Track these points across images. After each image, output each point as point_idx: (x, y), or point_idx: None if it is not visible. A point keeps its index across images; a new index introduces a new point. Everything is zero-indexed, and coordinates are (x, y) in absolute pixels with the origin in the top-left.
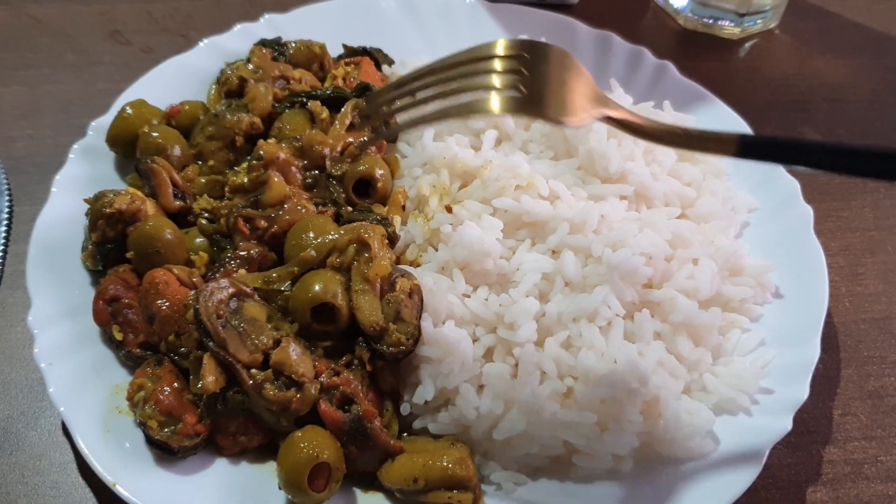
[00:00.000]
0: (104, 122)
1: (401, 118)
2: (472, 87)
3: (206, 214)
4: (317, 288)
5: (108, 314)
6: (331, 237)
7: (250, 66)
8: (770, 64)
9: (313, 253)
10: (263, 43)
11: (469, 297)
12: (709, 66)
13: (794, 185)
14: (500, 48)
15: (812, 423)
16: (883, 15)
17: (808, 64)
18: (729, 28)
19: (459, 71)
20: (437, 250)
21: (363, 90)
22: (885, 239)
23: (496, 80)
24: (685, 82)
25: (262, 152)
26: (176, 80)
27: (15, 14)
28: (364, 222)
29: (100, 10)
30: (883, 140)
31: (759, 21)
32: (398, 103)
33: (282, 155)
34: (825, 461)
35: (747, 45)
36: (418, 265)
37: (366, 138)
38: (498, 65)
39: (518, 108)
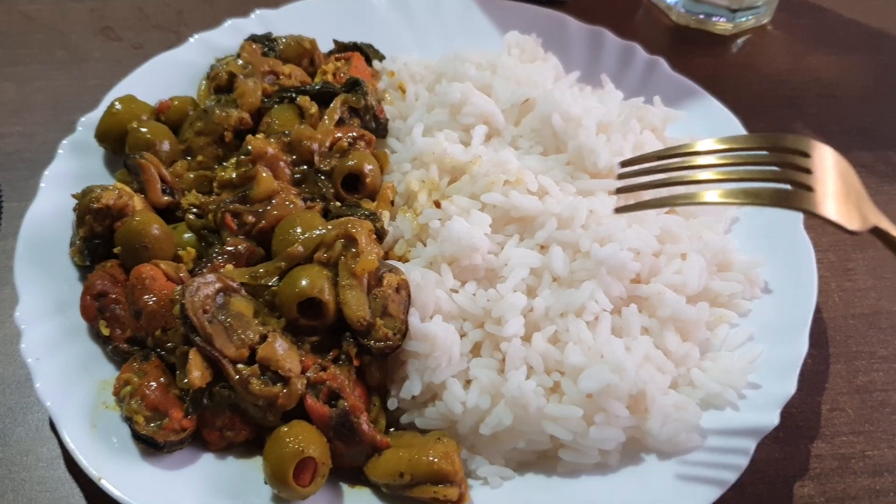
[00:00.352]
0: (94, 117)
1: (657, 195)
2: (749, 175)
3: (195, 210)
4: (303, 283)
5: (95, 309)
6: (318, 232)
7: (240, 62)
8: (762, 60)
9: (300, 248)
10: (254, 38)
11: (457, 291)
12: (701, 62)
13: None
14: (783, 141)
15: (800, 418)
16: (875, 11)
17: (800, 60)
18: (721, 24)
19: (740, 156)
20: (425, 245)
21: (352, 86)
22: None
23: (780, 172)
24: (677, 78)
25: (250, 147)
26: (166, 76)
27: (6, 10)
28: (352, 217)
29: (91, 7)
30: (872, 136)
31: (751, 17)
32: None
33: (270, 150)
34: (813, 456)
35: (740, 40)
36: (407, 260)
37: (354, 133)
38: (783, 158)
39: (808, 204)
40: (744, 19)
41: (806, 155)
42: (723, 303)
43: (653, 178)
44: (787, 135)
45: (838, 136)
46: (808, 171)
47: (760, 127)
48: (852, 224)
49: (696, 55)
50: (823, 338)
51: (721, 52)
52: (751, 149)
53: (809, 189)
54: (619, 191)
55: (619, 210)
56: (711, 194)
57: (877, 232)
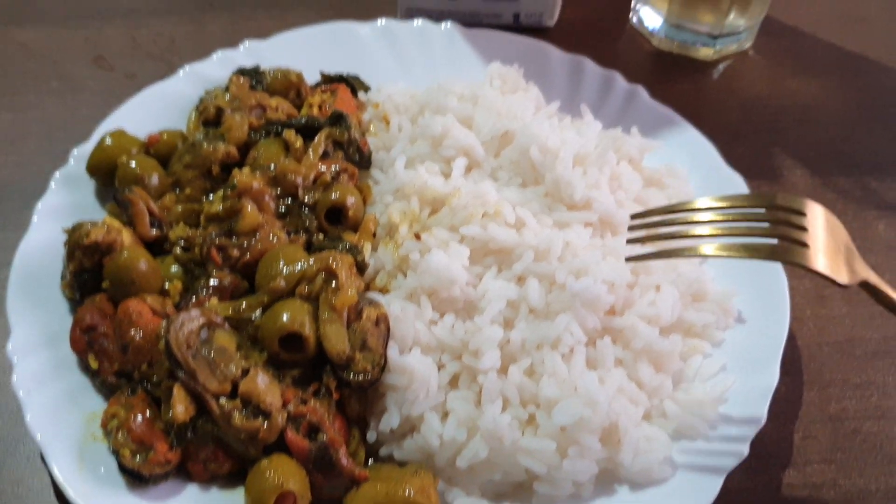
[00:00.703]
0: (86, 149)
1: (669, 245)
2: (748, 230)
3: (182, 243)
4: (284, 318)
5: (84, 343)
6: (300, 266)
7: (228, 96)
8: (743, 85)
9: (282, 283)
10: (241, 72)
11: (436, 323)
12: (682, 88)
13: None
14: (780, 200)
15: (773, 446)
16: (855, 35)
17: (780, 84)
18: (703, 50)
19: (739, 212)
20: (406, 277)
21: (336, 119)
22: None
23: (776, 229)
24: (655, 106)
25: (236, 181)
26: (157, 107)
27: (1, 39)
28: (333, 251)
29: (85, 36)
30: (851, 161)
31: (732, 43)
32: (662, 230)
33: (255, 184)
34: (785, 484)
35: (721, 66)
36: (388, 291)
37: (337, 167)
38: (780, 215)
39: (802, 259)
40: (725, 45)
41: (801, 213)
42: (697, 333)
43: (660, 231)
44: (784, 194)
45: (817, 161)
46: (803, 228)
47: (739, 153)
48: (842, 278)
49: (678, 81)
50: (797, 365)
51: (702, 78)
52: (751, 206)
53: (804, 245)
54: (629, 241)
55: (629, 259)
56: (714, 248)
57: (865, 286)
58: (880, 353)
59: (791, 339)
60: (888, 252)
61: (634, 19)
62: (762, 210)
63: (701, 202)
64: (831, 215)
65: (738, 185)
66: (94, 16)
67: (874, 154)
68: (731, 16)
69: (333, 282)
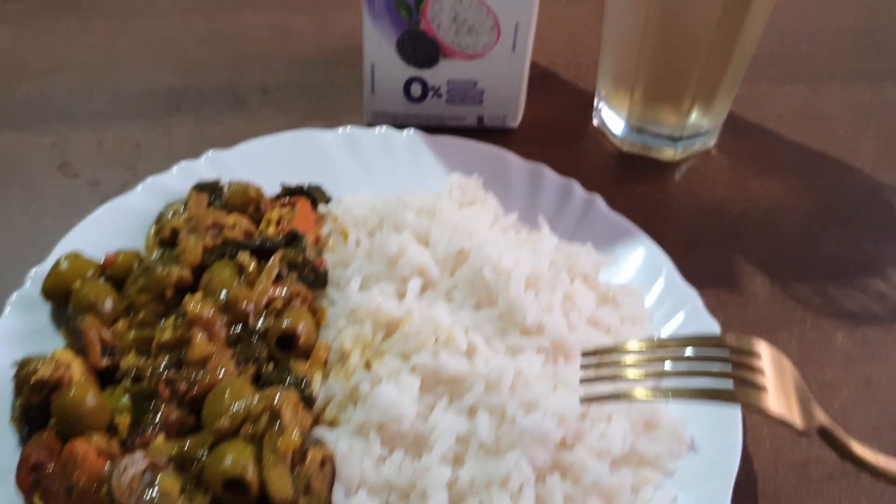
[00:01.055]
0: (42, 270)
1: (617, 386)
2: (705, 371)
3: (133, 372)
4: (228, 462)
5: (30, 482)
6: (246, 404)
7: (184, 216)
8: (705, 187)
9: (227, 423)
10: (200, 187)
11: (384, 461)
12: (644, 190)
13: (714, 327)
14: (729, 340)
15: None
16: (817, 133)
17: (742, 186)
18: (665, 151)
19: (692, 353)
20: (356, 407)
21: (291, 240)
22: (809, 374)
23: (731, 371)
24: (612, 217)
25: (187, 310)
26: (118, 222)
27: None
28: (280, 387)
29: (52, 141)
30: (810, 267)
31: (696, 143)
32: (607, 371)
33: (206, 313)
34: None
35: (683, 167)
36: (338, 423)
37: (289, 290)
38: (733, 357)
39: (759, 402)
40: (688, 145)
41: (757, 355)
42: (649, 462)
43: (607, 372)
44: (733, 334)
45: (777, 267)
46: (760, 370)
47: (699, 259)
48: (798, 423)
49: (640, 182)
50: (752, 489)
51: (664, 179)
52: (703, 346)
53: (763, 388)
54: (583, 381)
55: (584, 400)
56: (671, 390)
57: (822, 433)
58: (836, 474)
59: (747, 461)
60: (846, 363)
61: (597, 121)
62: (714, 351)
63: (657, 343)
64: (785, 358)
65: (693, 300)
66: (61, 119)
67: (834, 260)
68: (694, 116)
69: (278, 422)
